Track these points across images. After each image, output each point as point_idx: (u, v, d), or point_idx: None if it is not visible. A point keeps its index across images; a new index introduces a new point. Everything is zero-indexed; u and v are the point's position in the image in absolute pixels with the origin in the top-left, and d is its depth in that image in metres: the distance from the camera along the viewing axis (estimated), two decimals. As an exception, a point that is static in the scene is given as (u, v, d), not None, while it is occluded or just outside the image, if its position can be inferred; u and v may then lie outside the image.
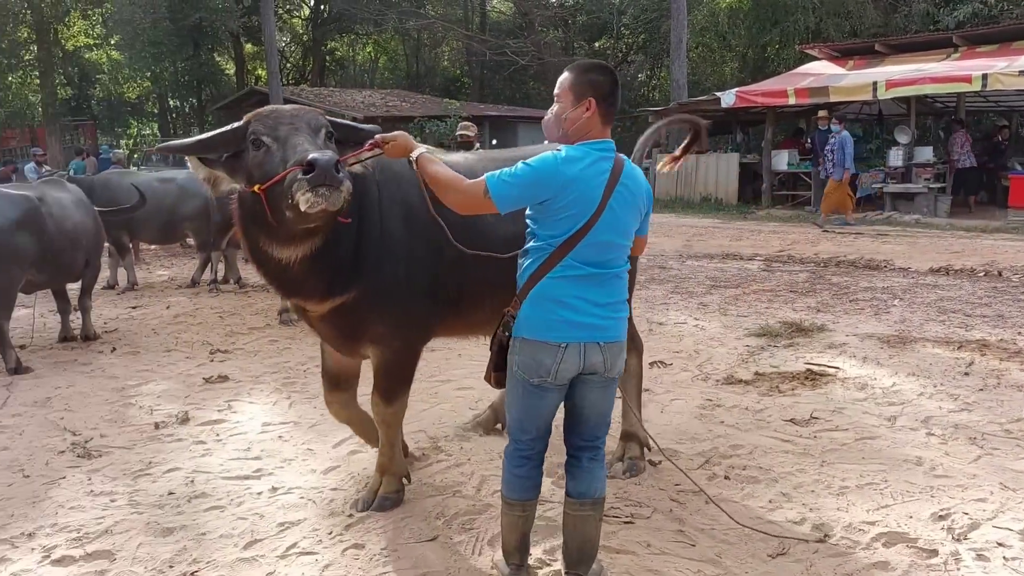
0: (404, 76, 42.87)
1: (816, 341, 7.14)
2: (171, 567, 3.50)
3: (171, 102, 33.71)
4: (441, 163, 3.05)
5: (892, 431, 4.90)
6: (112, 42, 26.88)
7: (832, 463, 4.44)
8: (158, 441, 5.09)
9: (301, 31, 41.06)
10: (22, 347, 7.73)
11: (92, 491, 4.31)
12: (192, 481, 4.40)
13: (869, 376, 6.02)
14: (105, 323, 8.81)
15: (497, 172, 2.88)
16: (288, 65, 41.43)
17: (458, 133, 9.51)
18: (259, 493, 4.24)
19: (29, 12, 25.17)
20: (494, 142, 23.47)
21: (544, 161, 2.83)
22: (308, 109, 3.33)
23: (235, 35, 31.16)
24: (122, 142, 34.76)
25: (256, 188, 3.08)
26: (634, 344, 4.35)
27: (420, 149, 3.09)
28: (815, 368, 6.22)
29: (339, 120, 3.53)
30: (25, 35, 26.15)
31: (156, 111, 36.10)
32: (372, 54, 43.98)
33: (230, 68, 36.82)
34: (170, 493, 4.25)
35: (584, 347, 2.89)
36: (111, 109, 31.24)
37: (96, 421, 5.49)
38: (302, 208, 2.87)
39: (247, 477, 4.44)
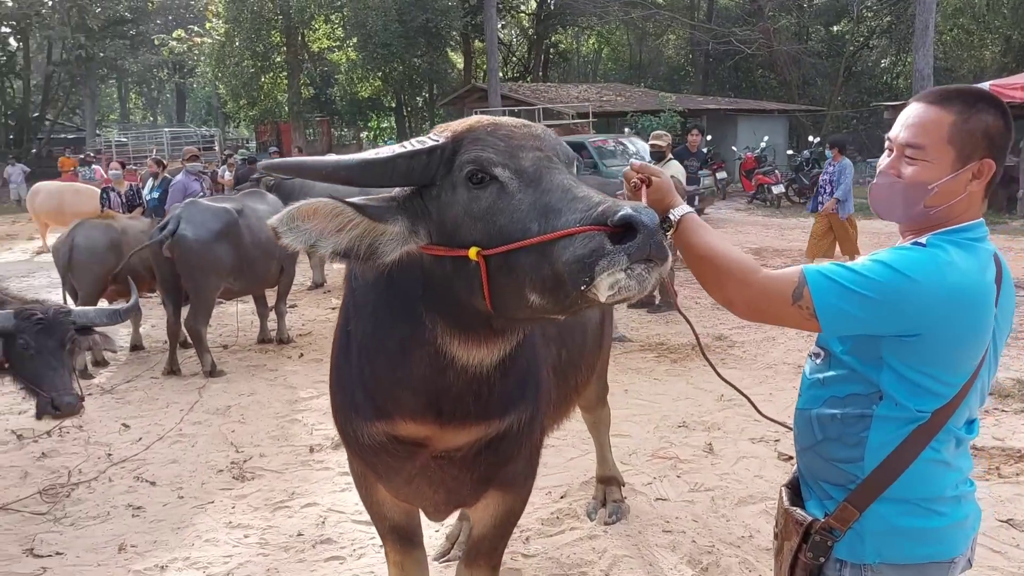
0: (627, 67, 42.34)
1: (1062, 404, 5.90)
2: (272, 629, 3.43)
3: (403, 98, 35.50)
4: (714, 232, 2.01)
5: None
6: (350, 44, 28.80)
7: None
8: (308, 467, 5.14)
9: (527, 25, 41.69)
10: (225, 347, 8.31)
11: (231, 522, 4.39)
12: (323, 522, 4.35)
13: None
14: (303, 324, 9.28)
15: (824, 266, 1.82)
16: (513, 59, 42.32)
17: (650, 143, 9.00)
18: (380, 546, 4.10)
19: (280, 18, 27.61)
20: (708, 137, 22.38)
21: (920, 265, 1.75)
22: (545, 128, 2.07)
23: (464, 33, 32.27)
24: (362, 136, 37.38)
25: (475, 252, 1.78)
26: (604, 388, 4.30)
27: (685, 207, 2.03)
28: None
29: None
30: (277, 39, 28.82)
31: (393, 105, 38.07)
32: (596, 46, 43.87)
33: (460, 64, 38.17)
34: (299, 534, 4.23)
35: (972, 543, 1.99)
36: (352, 105, 33.40)
37: (261, 437, 5.67)
38: (602, 296, 1.63)
39: (375, 524, 4.32)
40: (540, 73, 39.74)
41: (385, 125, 40.05)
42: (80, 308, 4.98)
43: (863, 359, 1.86)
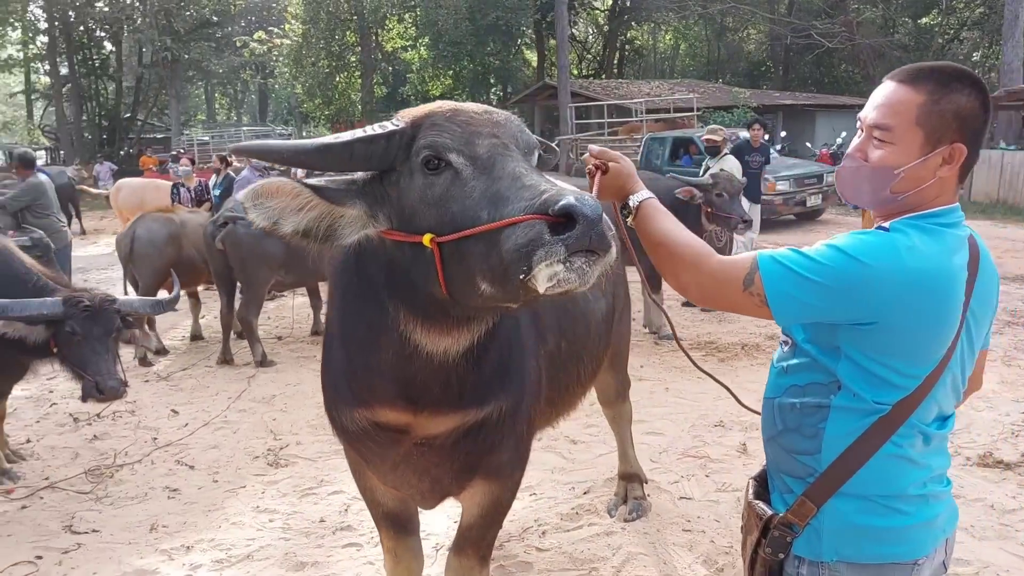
0: (705, 63, 41.61)
1: None
2: (280, 611, 3.50)
3: (475, 95, 35.71)
4: (672, 219, 1.94)
5: None
6: (422, 43, 29.17)
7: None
8: (339, 456, 5.14)
9: (602, 22, 41.40)
10: (279, 338, 8.52)
11: (258, 506, 4.50)
12: (347, 509, 4.42)
13: None
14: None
15: (778, 252, 1.73)
16: (588, 57, 42.09)
17: (704, 137, 8.79)
18: (397, 535, 4.13)
19: (355, 18, 28.17)
20: (783, 134, 21.78)
21: (875, 249, 1.65)
22: (509, 115, 2.00)
23: (537, 30, 32.25)
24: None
25: (429, 239, 1.76)
26: (624, 384, 4.21)
27: (645, 193, 1.98)
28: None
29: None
30: (351, 39, 29.44)
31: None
32: (672, 41, 43.26)
33: (534, 62, 38.16)
34: (321, 520, 4.30)
35: (946, 546, 1.86)
36: (425, 103, 33.77)
37: (301, 425, 5.79)
38: (540, 287, 1.59)
39: (395, 513, 4.34)
40: (615, 70, 39.41)
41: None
42: (125, 297, 5.16)
43: (822, 347, 1.77)
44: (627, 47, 41.14)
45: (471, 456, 2.40)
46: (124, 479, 4.94)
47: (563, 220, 1.57)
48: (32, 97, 44.34)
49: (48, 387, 6.83)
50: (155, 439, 5.59)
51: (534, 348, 2.47)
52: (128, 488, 4.80)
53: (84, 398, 4.59)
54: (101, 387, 4.52)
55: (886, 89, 1.76)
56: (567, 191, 1.62)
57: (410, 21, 29.68)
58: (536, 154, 1.96)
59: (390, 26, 30.42)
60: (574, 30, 39.14)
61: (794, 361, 1.86)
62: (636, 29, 40.70)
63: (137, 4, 34.15)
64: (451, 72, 28.12)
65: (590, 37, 43.45)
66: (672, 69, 43.65)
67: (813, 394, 1.80)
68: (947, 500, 1.84)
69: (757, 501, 1.90)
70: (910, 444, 1.75)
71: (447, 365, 2.06)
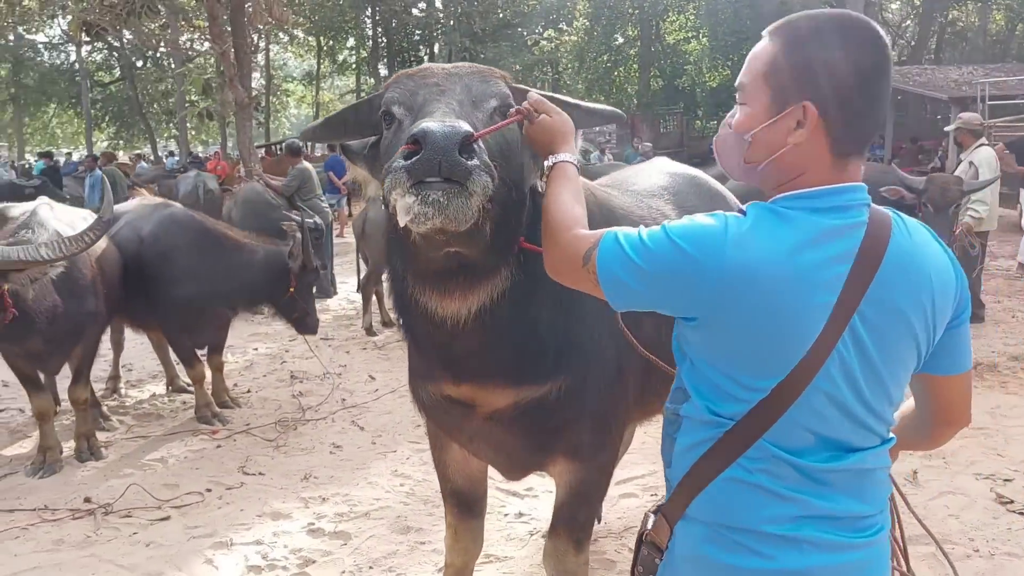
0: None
1: None
2: (367, 569, 3.70)
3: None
4: (574, 187, 1.73)
5: None
6: (703, 33, 28.46)
7: None
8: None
9: (918, 3, 37.42)
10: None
11: (396, 471, 4.78)
12: (471, 484, 4.54)
13: None
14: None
15: (630, 229, 1.52)
16: (901, 43, 38.30)
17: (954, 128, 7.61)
18: (505, 514, 4.18)
19: (636, 12, 28.23)
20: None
21: (699, 237, 1.42)
22: (478, 67, 2.01)
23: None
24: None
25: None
26: None
27: (565, 156, 1.77)
28: None
29: (546, 96, 1.97)
30: (633, 33, 29.54)
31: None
32: (1002, 22, 37.87)
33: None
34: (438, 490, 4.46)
35: None
36: (712, 95, 32.90)
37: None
38: (401, 221, 1.59)
39: (513, 493, 4.39)
40: (932, 56, 35.44)
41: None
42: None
43: (676, 346, 1.55)
44: (947, 30, 36.76)
45: (542, 433, 2.37)
46: (303, 432, 5.50)
47: (416, 147, 1.55)
48: (361, 96, 50.18)
49: (285, 347, 7.78)
50: (344, 400, 6.14)
51: (611, 329, 2.28)
52: (303, 440, 5.34)
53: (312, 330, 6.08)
54: (314, 322, 6.03)
55: (759, 44, 1.50)
56: (435, 119, 1.62)
57: (692, 11, 29.09)
58: (492, 103, 1.91)
59: (673, 17, 30.07)
60: (886, 13, 35.80)
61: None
62: (959, 9, 36.21)
63: (444, 9, 37.13)
64: (729, 62, 27.11)
65: (906, 21, 39.44)
66: (1005, 52, 38.25)
67: (674, 400, 1.60)
68: (848, 555, 1.46)
69: (651, 513, 1.66)
70: (765, 471, 1.44)
71: (465, 331, 2.04)
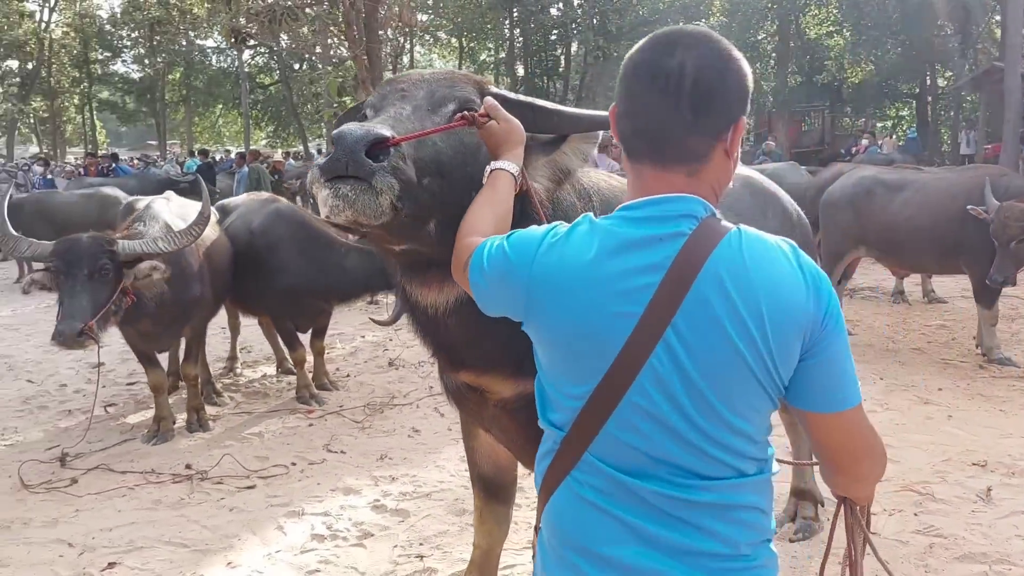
0: None
1: None
2: (417, 545, 3.93)
3: (926, 82, 31.64)
4: (504, 196, 1.79)
5: None
6: (847, 27, 27.12)
7: None
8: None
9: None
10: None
11: (464, 456, 4.97)
12: (529, 474, 4.68)
13: None
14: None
15: (498, 239, 1.58)
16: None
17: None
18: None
19: (774, 8, 27.26)
20: None
21: (521, 243, 1.51)
22: (451, 73, 2.13)
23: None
24: (877, 125, 34.62)
25: None
26: None
27: (504, 164, 1.83)
28: None
29: (524, 100, 2.10)
30: (771, 28, 28.55)
31: (916, 91, 34.28)
32: None
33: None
34: (503, 478, 4.64)
35: None
36: (858, 92, 31.30)
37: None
38: (323, 212, 1.71)
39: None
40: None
41: (905, 112, 36.71)
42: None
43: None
44: None
45: None
46: (388, 416, 5.82)
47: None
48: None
49: (389, 336, 8.19)
50: (431, 388, 6.43)
51: None
52: (386, 423, 5.66)
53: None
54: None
55: None
56: (371, 123, 1.76)
57: (835, 5, 27.76)
58: (450, 106, 1.98)
59: (814, 11, 28.83)
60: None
61: None
62: None
63: (580, 8, 37.29)
64: (873, 56, 25.67)
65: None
66: None
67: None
68: None
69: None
70: (592, 486, 1.44)
71: (449, 320, 2.14)
